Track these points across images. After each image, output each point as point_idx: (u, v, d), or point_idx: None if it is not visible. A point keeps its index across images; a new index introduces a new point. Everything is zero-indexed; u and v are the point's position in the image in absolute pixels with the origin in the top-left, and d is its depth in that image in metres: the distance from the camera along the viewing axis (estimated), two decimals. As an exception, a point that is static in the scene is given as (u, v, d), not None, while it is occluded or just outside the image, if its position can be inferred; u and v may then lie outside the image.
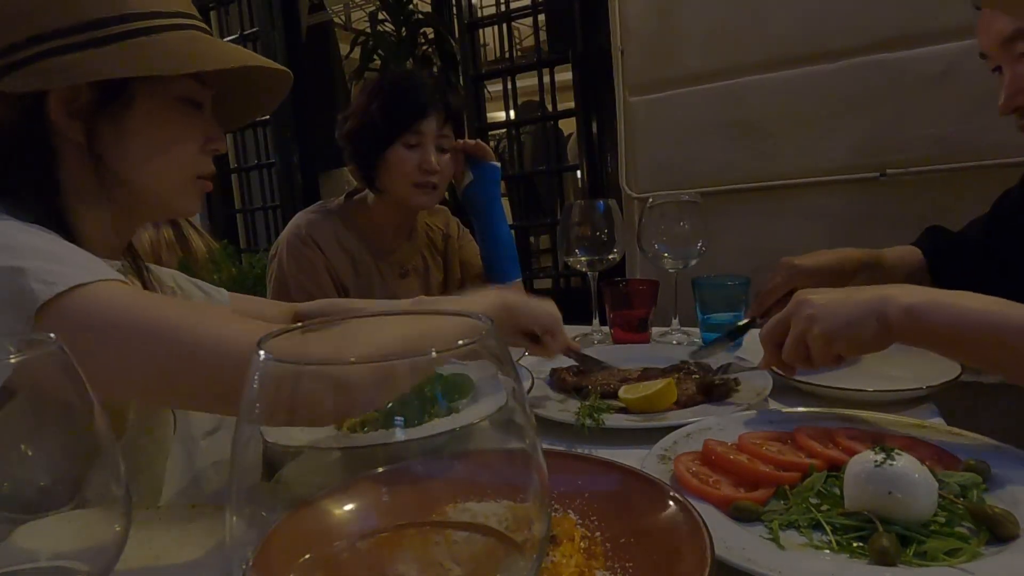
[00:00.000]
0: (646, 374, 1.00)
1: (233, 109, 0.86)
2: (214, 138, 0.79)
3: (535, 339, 0.91)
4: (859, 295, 0.77)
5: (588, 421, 0.83)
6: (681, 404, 0.90)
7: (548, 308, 0.90)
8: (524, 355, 1.02)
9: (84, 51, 0.66)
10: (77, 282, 0.56)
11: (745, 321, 1.08)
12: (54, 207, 0.70)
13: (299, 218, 1.44)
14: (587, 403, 0.88)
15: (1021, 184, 1.14)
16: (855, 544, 0.54)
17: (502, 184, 1.63)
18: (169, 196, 0.77)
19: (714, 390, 0.91)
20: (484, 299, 0.86)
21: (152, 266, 0.93)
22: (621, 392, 0.91)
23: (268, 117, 3.02)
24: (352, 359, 0.25)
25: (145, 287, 0.85)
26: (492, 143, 3.20)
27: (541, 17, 2.58)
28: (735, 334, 1.07)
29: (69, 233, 0.69)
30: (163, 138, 0.75)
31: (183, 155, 0.76)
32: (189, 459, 0.84)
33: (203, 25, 0.75)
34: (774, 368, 0.89)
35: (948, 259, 1.14)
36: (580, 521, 0.55)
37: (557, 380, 1.01)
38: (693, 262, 1.28)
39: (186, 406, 0.76)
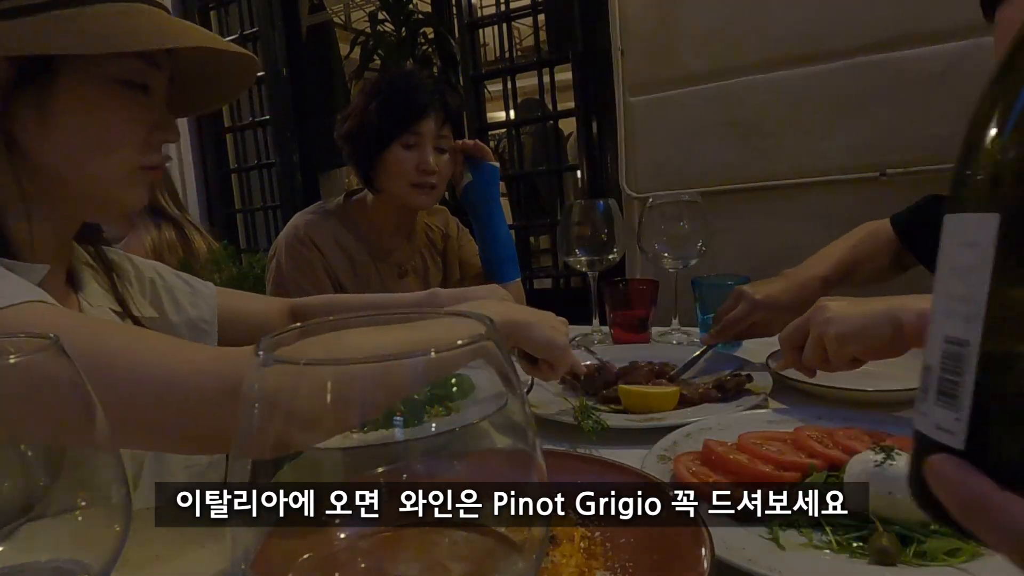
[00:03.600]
0: (633, 368, 1.01)
1: (195, 94, 0.77)
2: (162, 126, 0.70)
3: (535, 360, 0.84)
4: (876, 303, 0.80)
5: (589, 422, 0.83)
6: (693, 401, 0.90)
7: (553, 338, 0.80)
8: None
9: (1, 21, 0.58)
10: None
11: (704, 349, 1.07)
12: None
13: (297, 219, 1.44)
14: (587, 403, 0.88)
15: None
16: (855, 544, 0.54)
17: (502, 184, 1.63)
18: (107, 191, 0.68)
19: (727, 385, 0.92)
20: (494, 307, 0.79)
21: (133, 257, 0.89)
22: (621, 392, 0.92)
23: (268, 117, 3.02)
24: (352, 360, 0.25)
25: (113, 285, 0.81)
26: (492, 143, 3.20)
27: (541, 17, 2.57)
28: (700, 357, 1.06)
29: None
30: (96, 125, 0.65)
31: (122, 145, 0.67)
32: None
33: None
34: (793, 370, 0.92)
35: (918, 225, 1.13)
36: (580, 521, 0.55)
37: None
38: (693, 262, 1.28)
39: (125, 442, 0.60)
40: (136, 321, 0.81)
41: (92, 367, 0.47)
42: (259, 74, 2.81)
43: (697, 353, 1.07)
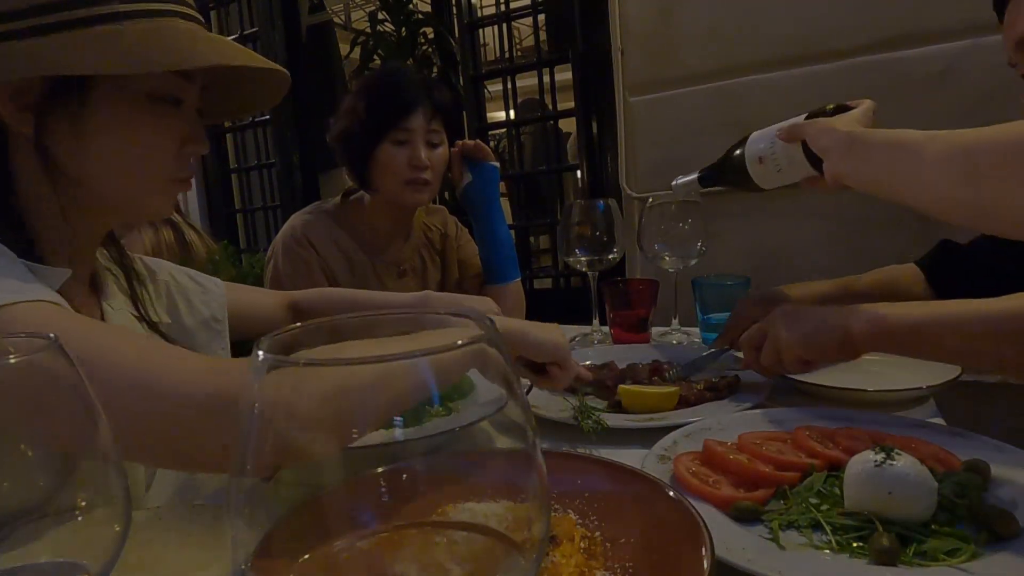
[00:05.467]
0: (631, 370, 1.01)
1: (226, 103, 0.78)
2: (194, 139, 0.70)
3: (540, 370, 0.84)
4: (828, 310, 0.86)
5: (589, 422, 0.83)
6: (688, 402, 0.90)
7: (554, 338, 0.81)
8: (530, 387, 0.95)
9: (35, 39, 0.58)
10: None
11: (713, 351, 1.07)
12: (5, 207, 0.64)
13: (294, 219, 1.44)
14: (587, 403, 0.88)
15: None
16: (855, 544, 0.54)
17: (502, 184, 1.63)
18: (138, 202, 0.70)
19: (716, 387, 0.92)
20: None
21: (146, 259, 0.90)
22: (621, 392, 0.92)
23: (268, 117, 3.02)
24: (352, 359, 0.25)
25: (131, 283, 0.82)
26: (492, 143, 3.20)
27: (541, 17, 2.57)
28: (713, 357, 1.06)
29: (23, 236, 0.63)
30: (130, 140, 0.66)
31: (153, 159, 0.68)
32: None
33: (188, 11, 0.67)
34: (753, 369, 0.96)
35: (951, 274, 1.13)
36: (580, 521, 0.55)
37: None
38: (693, 262, 1.28)
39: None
40: (153, 326, 0.82)
41: (82, 367, 0.48)
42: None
43: (704, 355, 1.06)
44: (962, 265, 1.12)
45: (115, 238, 0.82)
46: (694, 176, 1.08)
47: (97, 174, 0.66)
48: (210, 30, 0.70)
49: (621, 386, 0.93)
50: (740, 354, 1.10)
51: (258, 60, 0.68)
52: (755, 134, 0.98)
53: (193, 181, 3.36)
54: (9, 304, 0.51)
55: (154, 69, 0.62)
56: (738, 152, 0.99)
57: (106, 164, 0.66)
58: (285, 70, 0.73)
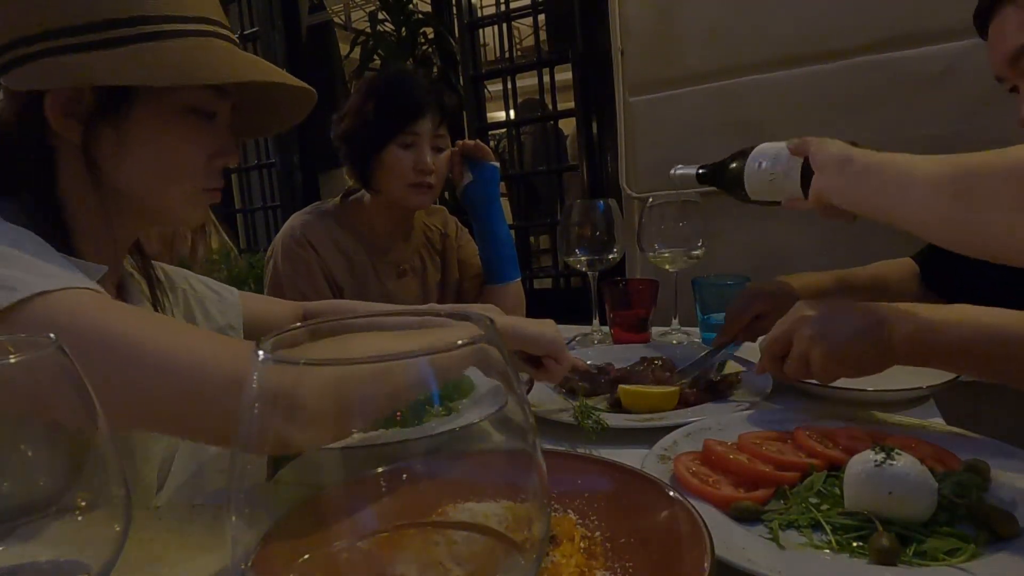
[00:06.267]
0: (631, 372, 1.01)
1: (255, 119, 0.83)
2: (225, 152, 0.75)
3: (537, 363, 0.85)
4: (859, 320, 0.78)
5: (589, 422, 0.83)
6: (687, 403, 0.90)
7: (547, 331, 0.83)
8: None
9: (88, 53, 0.63)
10: (40, 289, 0.54)
11: (713, 348, 1.06)
12: (50, 207, 0.68)
13: (294, 219, 1.44)
14: (587, 403, 0.88)
15: None
16: (855, 544, 0.54)
17: (502, 184, 1.63)
18: (173, 210, 0.74)
19: (716, 387, 0.92)
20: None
21: (166, 266, 0.92)
22: (620, 392, 0.92)
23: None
24: (353, 359, 0.25)
25: (152, 290, 0.84)
26: (492, 143, 3.20)
27: (541, 17, 2.57)
28: (713, 355, 1.04)
29: (64, 235, 0.67)
30: (168, 150, 0.71)
31: (187, 168, 0.72)
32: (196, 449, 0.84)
33: (226, 32, 0.72)
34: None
35: (943, 270, 1.14)
36: (580, 521, 0.55)
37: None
38: (693, 262, 1.28)
39: (147, 426, 0.67)
40: None
41: (119, 346, 0.53)
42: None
43: (703, 355, 1.06)
44: (952, 262, 1.12)
45: (141, 247, 0.85)
46: (693, 169, 1.09)
47: (136, 180, 0.71)
48: (235, 42, 0.74)
49: (621, 386, 0.93)
50: (739, 349, 1.11)
51: (290, 79, 0.73)
52: (766, 144, 0.99)
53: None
54: (53, 291, 0.54)
55: (196, 82, 0.66)
56: (742, 157, 1.00)
57: (144, 171, 0.71)
58: (313, 89, 0.77)
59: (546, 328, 0.83)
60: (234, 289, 0.99)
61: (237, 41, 0.74)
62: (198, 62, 0.67)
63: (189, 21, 0.68)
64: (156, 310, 0.84)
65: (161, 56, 0.65)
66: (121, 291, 0.81)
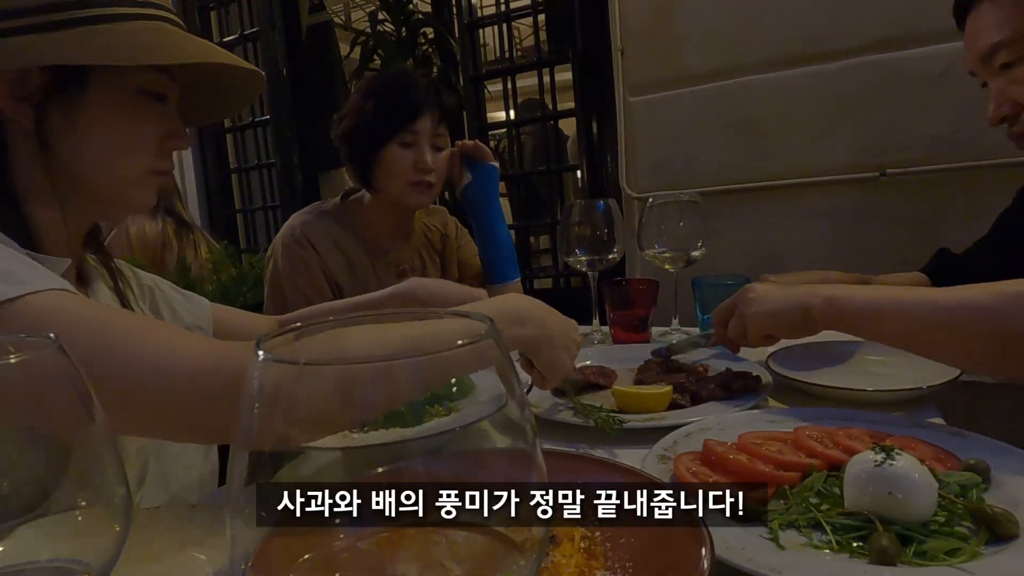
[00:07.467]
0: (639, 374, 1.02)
1: (203, 105, 0.83)
2: (176, 134, 0.75)
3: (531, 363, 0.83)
4: (793, 289, 0.90)
5: (603, 415, 0.83)
6: (700, 399, 0.90)
7: (564, 362, 0.81)
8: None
9: (38, 34, 0.63)
10: (18, 293, 0.53)
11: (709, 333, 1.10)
12: (5, 194, 0.68)
13: (294, 219, 1.44)
14: (586, 403, 0.88)
15: (1016, 203, 1.16)
16: (855, 544, 0.54)
17: (502, 184, 1.63)
18: (123, 192, 0.74)
19: (733, 385, 0.91)
20: (500, 307, 0.80)
21: (136, 270, 0.91)
22: (614, 393, 0.92)
23: (268, 117, 3.02)
24: (353, 359, 0.25)
25: (115, 280, 0.84)
26: (492, 143, 3.20)
27: (541, 17, 2.57)
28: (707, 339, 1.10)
29: (21, 225, 0.67)
30: (118, 130, 0.71)
31: (139, 149, 0.73)
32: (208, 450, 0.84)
33: (174, 18, 0.73)
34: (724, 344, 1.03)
35: (950, 280, 1.16)
36: (580, 521, 0.55)
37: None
38: (693, 262, 1.28)
39: (145, 427, 0.64)
40: None
41: (108, 353, 0.53)
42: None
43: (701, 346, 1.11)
44: (959, 272, 1.16)
45: (97, 239, 0.84)
46: None
47: (89, 161, 0.71)
48: (208, 34, 0.75)
49: (615, 387, 0.93)
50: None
51: (238, 61, 0.74)
52: None
53: (193, 181, 3.37)
54: (31, 294, 0.54)
55: (152, 62, 0.67)
56: None
57: (97, 153, 0.71)
58: (262, 72, 0.79)
59: (565, 359, 0.80)
60: (205, 299, 0.98)
61: (185, 28, 0.75)
62: (152, 44, 0.68)
63: (139, 5, 0.68)
64: (120, 299, 0.83)
65: (114, 37, 0.66)
66: (82, 281, 0.80)
